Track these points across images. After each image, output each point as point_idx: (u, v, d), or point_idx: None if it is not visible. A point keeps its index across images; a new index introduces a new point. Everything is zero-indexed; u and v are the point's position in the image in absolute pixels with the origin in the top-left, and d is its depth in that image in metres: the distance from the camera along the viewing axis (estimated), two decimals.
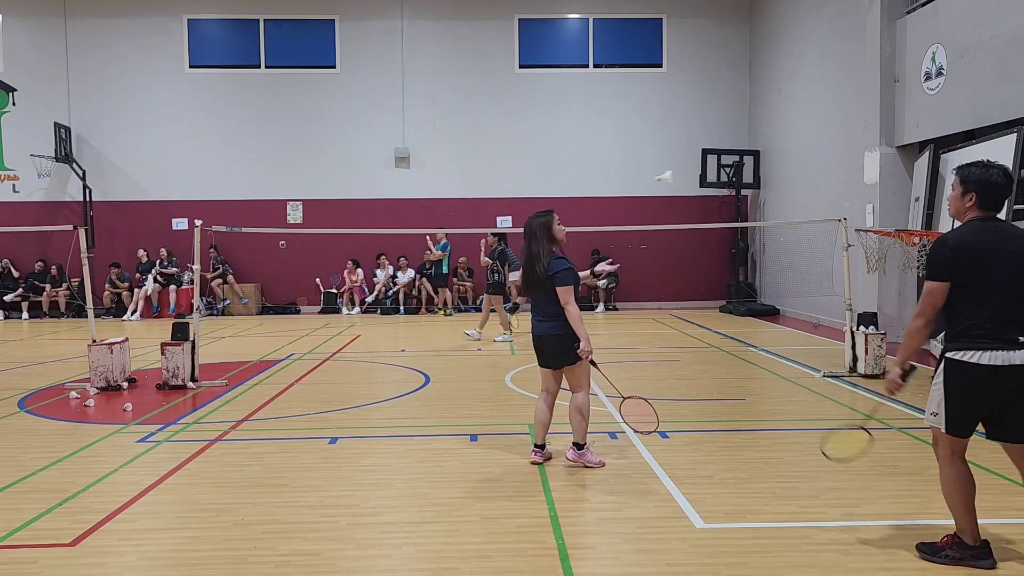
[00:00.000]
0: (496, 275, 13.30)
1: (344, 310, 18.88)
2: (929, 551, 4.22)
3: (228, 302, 18.67)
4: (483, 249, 13.78)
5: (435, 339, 13.77)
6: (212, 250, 18.69)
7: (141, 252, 18.68)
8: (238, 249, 19.09)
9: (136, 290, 18.35)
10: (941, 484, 4.20)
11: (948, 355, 4.03)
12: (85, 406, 8.37)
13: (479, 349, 12.44)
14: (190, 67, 19.28)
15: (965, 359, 3.97)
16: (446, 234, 18.09)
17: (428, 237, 14.49)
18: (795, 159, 16.96)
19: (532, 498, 5.24)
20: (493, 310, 13.48)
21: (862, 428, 4.59)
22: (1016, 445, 4.17)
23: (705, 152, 18.75)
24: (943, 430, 4.10)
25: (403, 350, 12.54)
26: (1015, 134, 9.54)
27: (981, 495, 5.21)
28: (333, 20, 19.33)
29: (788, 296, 16.91)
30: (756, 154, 18.85)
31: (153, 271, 18.39)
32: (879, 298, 12.78)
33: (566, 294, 5.63)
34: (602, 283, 18.24)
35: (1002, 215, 4.48)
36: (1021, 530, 4.63)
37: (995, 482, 5.48)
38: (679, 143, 19.39)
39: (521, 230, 5.95)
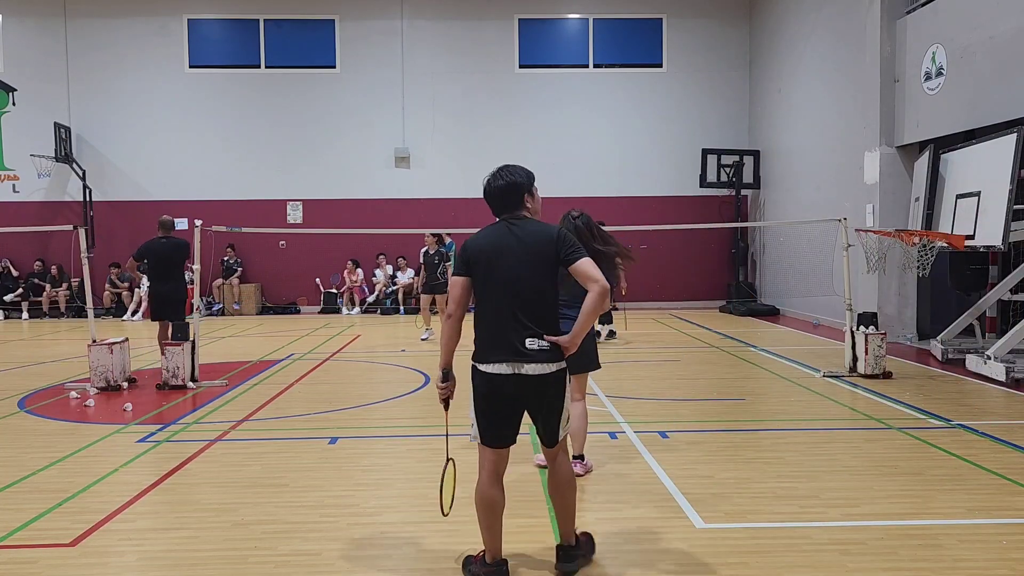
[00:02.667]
0: (442, 275, 13.23)
1: (344, 310, 18.89)
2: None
3: (221, 305, 18.67)
4: (435, 247, 13.31)
5: (435, 339, 13.76)
6: (230, 249, 18.73)
7: None
8: (238, 249, 19.11)
9: (136, 290, 18.37)
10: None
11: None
12: (85, 406, 8.37)
13: None
14: (190, 67, 19.28)
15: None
16: (448, 234, 18.04)
17: (428, 237, 13.81)
18: (795, 159, 16.96)
19: (532, 498, 5.23)
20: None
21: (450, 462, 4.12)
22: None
23: (705, 152, 18.75)
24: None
25: (403, 350, 12.53)
26: (1015, 134, 9.53)
27: (981, 495, 5.24)
28: (333, 20, 19.34)
29: (788, 296, 16.91)
30: (756, 154, 18.86)
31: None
32: (879, 298, 12.78)
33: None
34: None
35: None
36: (1021, 530, 4.62)
37: (995, 482, 5.48)
38: (679, 143, 19.40)
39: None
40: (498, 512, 3.96)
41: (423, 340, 13.14)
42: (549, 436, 3.98)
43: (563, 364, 3.89)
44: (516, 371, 3.79)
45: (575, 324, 3.81)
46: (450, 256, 14.11)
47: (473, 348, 3.94)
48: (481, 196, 4.17)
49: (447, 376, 4.03)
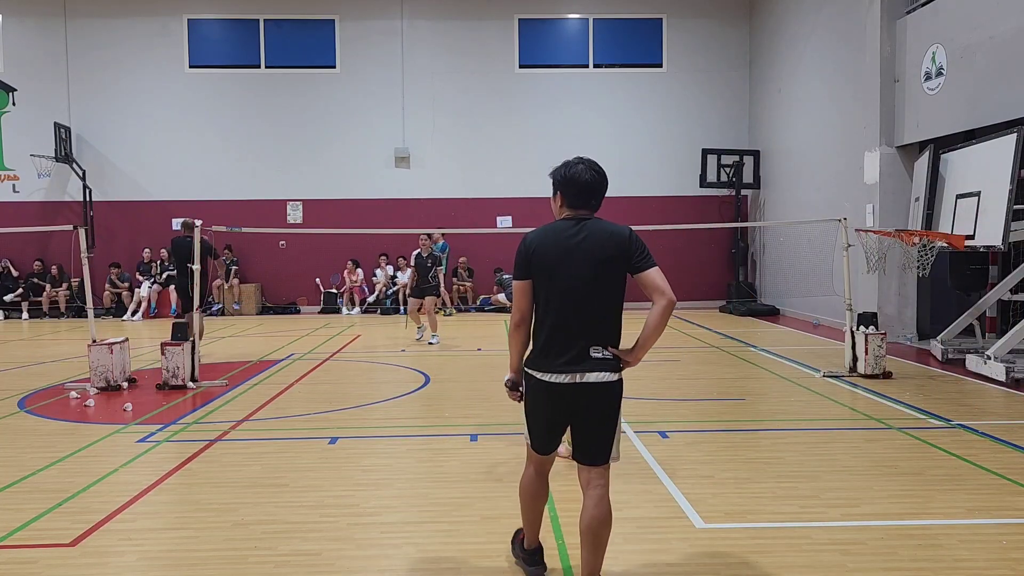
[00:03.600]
0: (432, 279, 13.15)
1: (344, 310, 18.89)
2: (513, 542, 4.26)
3: (221, 306, 18.65)
4: (422, 250, 13.20)
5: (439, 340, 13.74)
6: (227, 250, 18.74)
7: (146, 252, 18.78)
8: (238, 249, 19.11)
9: (136, 290, 18.39)
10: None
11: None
12: (85, 406, 8.37)
13: (479, 349, 12.44)
14: (190, 67, 19.28)
15: None
16: (443, 234, 18.08)
17: (422, 239, 13.70)
18: (795, 159, 16.95)
19: None
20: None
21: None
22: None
23: (705, 152, 18.75)
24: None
25: (403, 350, 12.53)
26: (1015, 134, 9.53)
27: (981, 495, 5.24)
28: (333, 20, 19.33)
29: (788, 296, 16.91)
30: (756, 154, 18.86)
31: (152, 276, 18.46)
32: (879, 298, 12.78)
33: None
34: None
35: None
36: (1021, 530, 4.63)
37: (995, 482, 5.48)
38: (679, 143, 19.40)
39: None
40: (539, 505, 4.00)
41: (429, 343, 13.04)
42: (600, 450, 3.67)
43: (621, 376, 3.67)
44: (576, 380, 3.58)
45: (639, 338, 3.61)
46: (441, 259, 14.00)
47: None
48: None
49: (518, 385, 3.82)
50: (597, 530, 3.63)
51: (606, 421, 3.66)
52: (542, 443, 3.81)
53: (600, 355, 3.60)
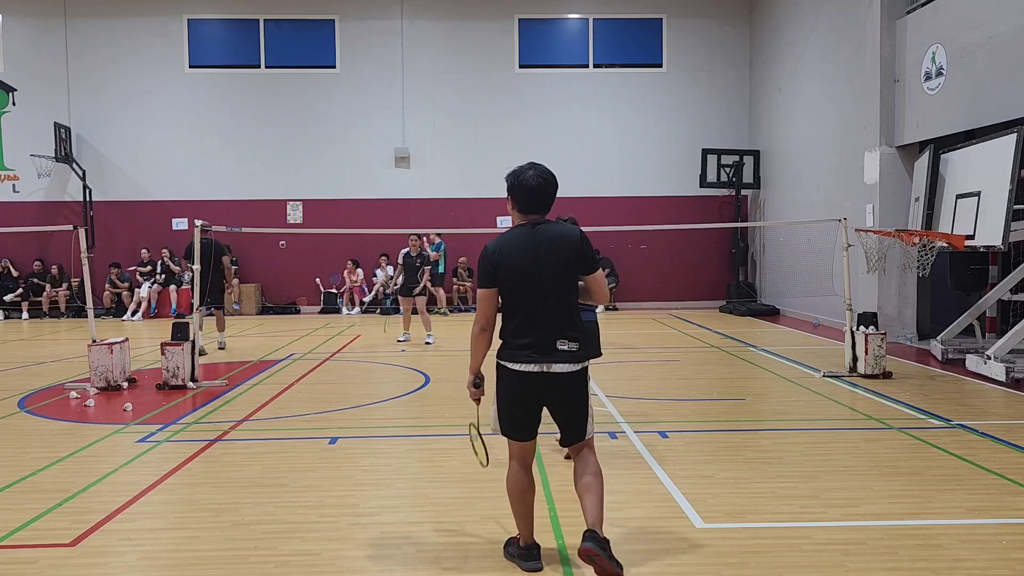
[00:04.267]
0: (420, 279, 13.13)
1: (344, 310, 18.89)
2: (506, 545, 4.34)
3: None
4: (416, 249, 13.19)
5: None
6: (226, 249, 18.72)
7: (144, 252, 18.78)
8: (238, 249, 19.09)
9: (136, 290, 18.39)
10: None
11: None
12: (85, 406, 8.37)
13: None
14: (190, 67, 19.28)
15: None
16: (438, 234, 18.09)
17: (412, 239, 13.61)
18: (795, 159, 16.96)
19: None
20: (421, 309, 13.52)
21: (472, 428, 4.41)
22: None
23: (705, 152, 18.75)
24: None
25: (403, 350, 12.53)
26: (1015, 134, 9.53)
27: (981, 495, 5.24)
28: (333, 20, 19.34)
29: (788, 296, 16.91)
30: (756, 154, 18.86)
31: (151, 277, 18.49)
32: (879, 298, 12.79)
33: None
34: None
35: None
36: (1021, 530, 4.62)
37: (995, 482, 5.48)
38: (679, 143, 19.40)
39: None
40: (528, 499, 4.16)
41: (425, 343, 13.02)
42: (575, 432, 4.07)
43: (587, 364, 4.06)
44: (544, 369, 3.93)
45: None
46: (428, 259, 13.87)
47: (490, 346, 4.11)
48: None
49: (481, 382, 4.19)
50: (590, 480, 3.99)
51: (577, 406, 4.05)
52: (514, 428, 4.09)
53: (566, 348, 3.96)
